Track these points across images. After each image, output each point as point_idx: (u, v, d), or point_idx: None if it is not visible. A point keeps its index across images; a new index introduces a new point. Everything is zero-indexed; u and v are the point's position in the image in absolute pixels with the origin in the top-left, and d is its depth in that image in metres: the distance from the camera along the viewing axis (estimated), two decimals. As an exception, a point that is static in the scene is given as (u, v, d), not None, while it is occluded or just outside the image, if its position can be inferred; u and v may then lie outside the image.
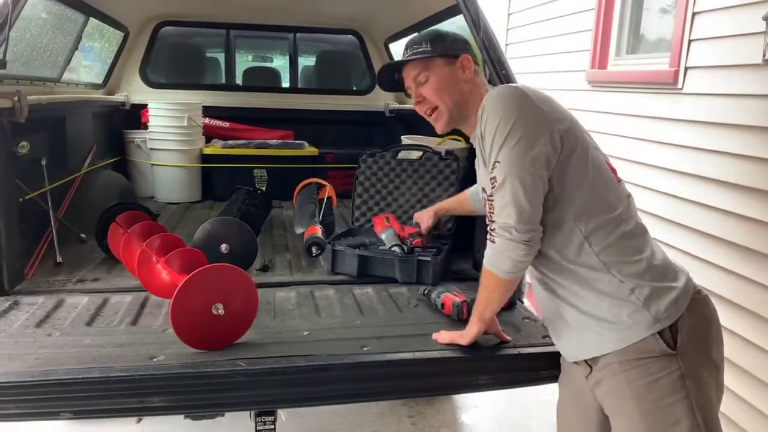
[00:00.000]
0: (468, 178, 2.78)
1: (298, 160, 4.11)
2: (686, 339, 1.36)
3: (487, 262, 1.48)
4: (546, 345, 1.84)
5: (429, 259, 2.37)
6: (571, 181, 1.41)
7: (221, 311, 1.72)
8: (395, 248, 2.36)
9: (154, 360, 1.66)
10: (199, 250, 2.21)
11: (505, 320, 2.02)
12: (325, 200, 3.21)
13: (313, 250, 2.57)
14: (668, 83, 3.02)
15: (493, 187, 1.40)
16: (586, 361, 1.52)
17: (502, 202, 1.38)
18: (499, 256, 1.42)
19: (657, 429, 1.38)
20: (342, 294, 2.26)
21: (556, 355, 1.77)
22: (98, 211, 2.65)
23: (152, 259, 2.11)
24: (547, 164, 1.39)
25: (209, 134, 4.25)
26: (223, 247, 2.40)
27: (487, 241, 1.43)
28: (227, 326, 1.76)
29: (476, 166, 1.65)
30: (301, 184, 3.58)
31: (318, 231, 2.69)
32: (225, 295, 1.74)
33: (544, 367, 1.81)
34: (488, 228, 1.43)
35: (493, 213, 1.41)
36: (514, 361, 1.80)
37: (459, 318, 1.97)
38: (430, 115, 1.68)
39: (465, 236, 2.67)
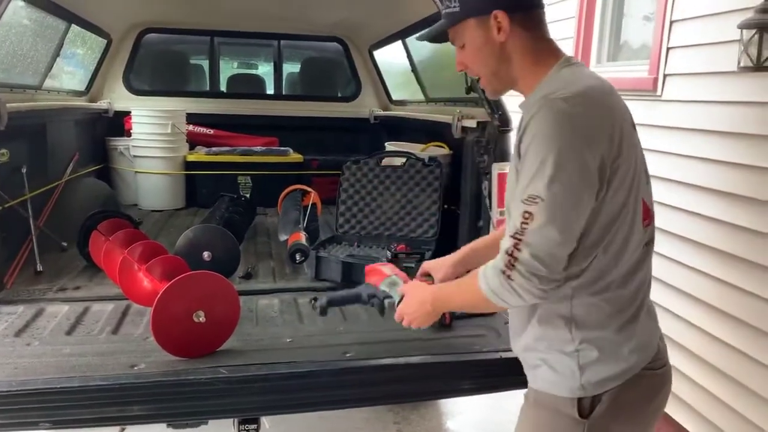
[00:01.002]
0: (452, 186, 2.81)
1: (283, 167, 4.10)
2: (604, 411, 1.29)
3: (489, 291, 1.26)
4: (528, 349, 1.86)
5: (413, 265, 2.37)
6: (595, 230, 1.24)
7: (202, 318, 1.72)
8: None
9: (135, 368, 1.65)
10: (181, 257, 2.21)
11: (486, 324, 2.04)
12: (309, 207, 3.21)
13: (297, 257, 2.57)
14: (647, 90, 3.07)
15: (525, 222, 1.19)
16: None
17: (539, 247, 1.18)
18: (510, 294, 1.23)
19: None
20: (325, 301, 2.26)
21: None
22: (80, 220, 2.63)
23: (134, 267, 2.09)
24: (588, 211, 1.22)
25: (193, 141, 4.23)
26: (206, 254, 2.39)
27: (500, 270, 1.22)
28: (209, 334, 1.75)
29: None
30: (286, 191, 3.58)
31: (302, 238, 2.69)
32: (206, 303, 1.74)
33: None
34: (508, 258, 1.20)
35: (519, 249, 1.19)
36: (496, 365, 1.81)
37: (442, 324, 1.98)
38: (478, 81, 1.50)
39: (448, 241, 2.68)
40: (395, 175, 2.83)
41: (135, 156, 3.95)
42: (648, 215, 1.33)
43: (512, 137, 2.45)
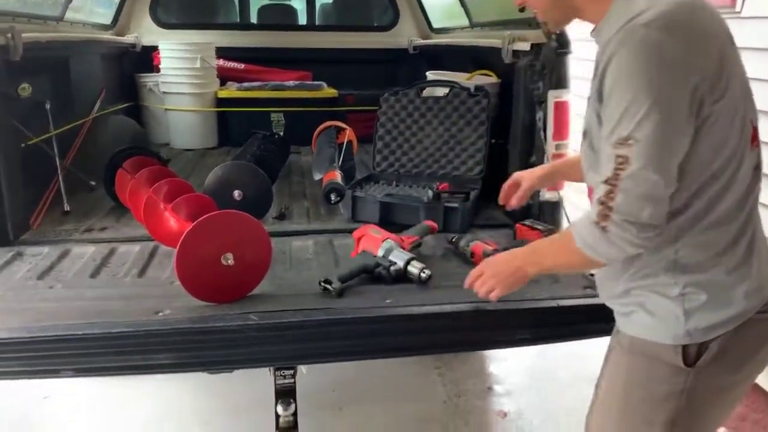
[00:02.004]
0: (500, 117, 2.56)
1: (317, 103, 3.90)
2: (711, 359, 1.16)
3: (586, 246, 1.15)
4: (587, 297, 1.68)
5: (457, 205, 2.19)
6: (700, 160, 1.10)
7: (231, 261, 1.58)
8: (414, 266, 1.75)
9: (160, 314, 1.54)
10: (210, 196, 2.07)
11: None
12: (345, 144, 3.03)
13: (332, 197, 2.41)
14: (725, 6, 2.71)
15: (620, 167, 1.07)
16: None
17: (637, 191, 1.06)
18: (608, 246, 1.11)
19: (628, 422, 1.26)
20: (363, 242, 2.10)
21: (599, 309, 1.60)
22: (107, 158, 2.51)
23: (159, 207, 1.97)
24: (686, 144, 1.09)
25: (224, 76, 4.05)
26: (236, 193, 2.25)
27: (593, 221, 1.11)
28: (238, 278, 1.62)
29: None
30: (320, 128, 3.39)
31: (337, 176, 2.53)
32: (235, 245, 1.60)
33: (585, 321, 1.64)
34: (601, 207, 1.09)
35: (614, 197, 1.07)
36: (553, 314, 1.63)
37: None
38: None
39: (495, 179, 2.46)
40: (437, 106, 2.60)
41: (164, 92, 3.80)
42: (755, 136, 1.18)
43: (571, 60, 2.19)
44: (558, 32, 2.11)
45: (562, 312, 1.63)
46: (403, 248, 1.83)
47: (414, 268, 1.74)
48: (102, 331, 1.44)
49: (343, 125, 3.39)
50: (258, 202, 2.30)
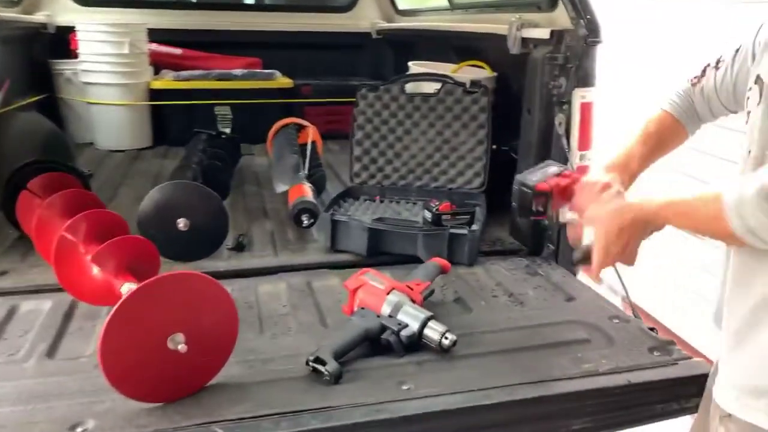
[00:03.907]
0: (502, 117, 2.15)
1: (269, 94, 3.37)
2: None
3: (746, 227, 0.87)
4: (659, 365, 1.30)
5: (465, 232, 1.76)
6: None
7: (182, 347, 1.10)
8: (432, 328, 1.32)
9: (78, 430, 1.04)
10: (145, 231, 1.56)
11: (586, 321, 1.46)
12: (309, 146, 2.54)
13: (304, 219, 1.94)
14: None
15: None
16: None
17: None
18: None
19: None
20: (352, 285, 1.64)
21: (678, 384, 1.24)
22: (6, 171, 1.93)
23: (77, 251, 1.44)
24: None
25: (158, 64, 3.45)
26: (181, 223, 1.73)
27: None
28: (192, 366, 1.14)
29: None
30: (276, 126, 2.89)
31: (307, 192, 2.05)
32: (187, 321, 1.11)
33: (659, 400, 1.26)
34: None
35: None
36: (622, 394, 1.24)
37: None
38: None
39: (502, 193, 2.05)
40: (427, 105, 2.15)
41: (85, 83, 3.18)
42: None
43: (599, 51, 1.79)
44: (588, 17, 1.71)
45: (634, 391, 1.24)
46: (415, 301, 1.39)
47: (433, 331, 1.31)
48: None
49: (305, 122, 2.89)
50: (210, 233, 1.80)
